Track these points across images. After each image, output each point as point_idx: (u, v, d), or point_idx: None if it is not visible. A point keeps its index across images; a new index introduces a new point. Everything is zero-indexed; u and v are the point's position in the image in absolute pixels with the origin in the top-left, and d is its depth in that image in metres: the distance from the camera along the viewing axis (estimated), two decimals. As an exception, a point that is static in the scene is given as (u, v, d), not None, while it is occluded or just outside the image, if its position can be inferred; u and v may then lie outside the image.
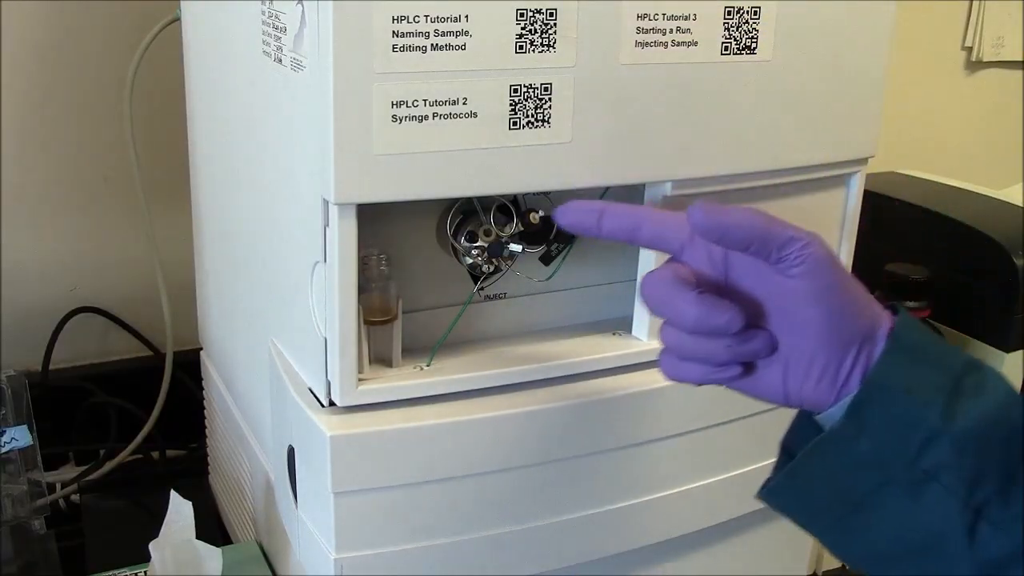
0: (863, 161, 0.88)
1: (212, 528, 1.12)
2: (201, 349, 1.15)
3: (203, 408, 1.18)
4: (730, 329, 0.61)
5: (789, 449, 0.66)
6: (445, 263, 0.78)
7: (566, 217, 0.65)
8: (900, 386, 0.60)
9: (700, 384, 0.65)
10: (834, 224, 0.89)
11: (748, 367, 0.64)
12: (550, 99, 0.70)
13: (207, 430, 1.18)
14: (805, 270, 0.61)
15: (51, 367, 1.27)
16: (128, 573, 0.93)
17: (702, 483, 0.85)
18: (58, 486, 1.19)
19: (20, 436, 0.95)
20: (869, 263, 1.02)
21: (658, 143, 0.75)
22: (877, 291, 1.16)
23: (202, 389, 1.18)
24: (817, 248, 0.61)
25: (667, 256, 0.65)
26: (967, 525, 0.59)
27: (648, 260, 0.79)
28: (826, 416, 0.63)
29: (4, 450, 0.93)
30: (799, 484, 0.64)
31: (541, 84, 0.70)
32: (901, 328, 0.62)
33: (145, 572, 0.91)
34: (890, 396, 0.60)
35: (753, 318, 0.63)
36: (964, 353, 0.64)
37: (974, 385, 0.61)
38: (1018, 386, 1.17)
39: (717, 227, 0.60)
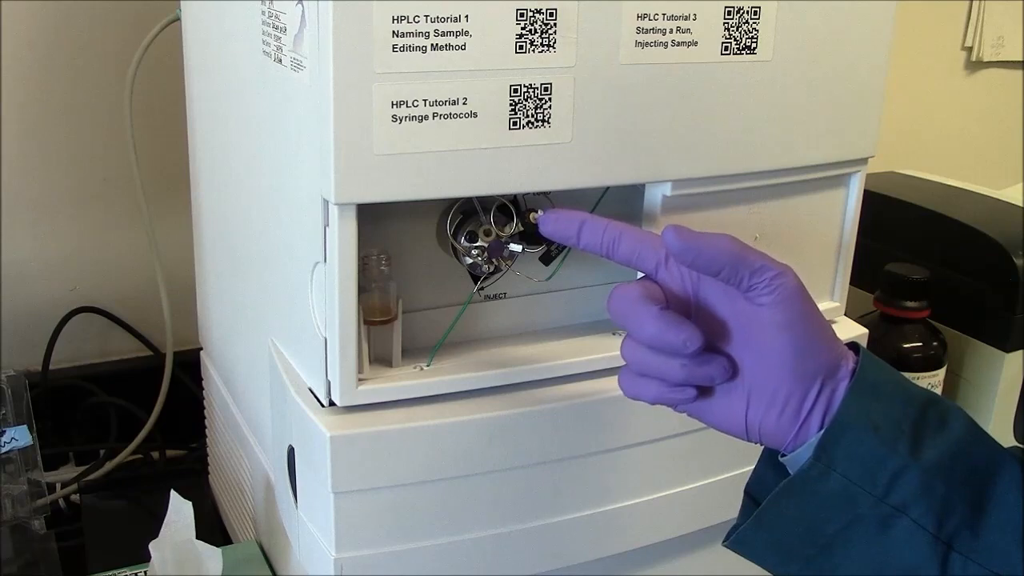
0: (863, 161, 0.88)
1: (212, 528, 1.12)
2: (201, 349, 1.15)
3: (203, 408, 1.18)
4: (686, 348, 0.62)
5: (753, 495, 0.67)
6: (445, 263, 0.78)
7: (547, 225, 0.68)
8: (866, 424, 0.61)
9: (654, 403, 0.66)
10: (834, 224, 0.89)
11: (704, 392, 0.65)
12: (550, 99, 0.70)
13: (207, 430, 1.18)
14: (775, 299, 0.62)
15: (51, 367, 1.27)
16: (128, 573, 0.93)
17: (702, 483, 0.85)
18: (58, 486, 1.19)
19: (20, 436, 0.95)
20: (869, 263, 1.02)
21: (658, 143, 0.75)
22: (877, 291, 1.16)
23: (202, 389, 1.18)
24: (789, 279, 0.63)
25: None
26: (939, 557, 0.60)
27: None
28: (791, 458, 0.64)
29: (4, 450, 0.93)
30: (768, 528, 0.64)
31: (541, 84, 0.70)
32: (864, 366, 0.63)
33: (145, 572, 0.91)
34: (857, 434, 0.61)
35: (719, 344, 0.65)
36: (923, 388, 0.65)
37: (937, 418, 0.62)
38: (1016, 392, 1.17)
39: (690, 250, 0.62)
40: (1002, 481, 0.61)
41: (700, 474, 0.85)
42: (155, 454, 1.27)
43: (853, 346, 0.66)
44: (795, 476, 0.62)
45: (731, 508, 0.69)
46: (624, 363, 0.67)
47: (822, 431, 0.62)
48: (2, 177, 1.23)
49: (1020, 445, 1.22)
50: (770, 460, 0.67)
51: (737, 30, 0.75)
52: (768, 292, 0.62)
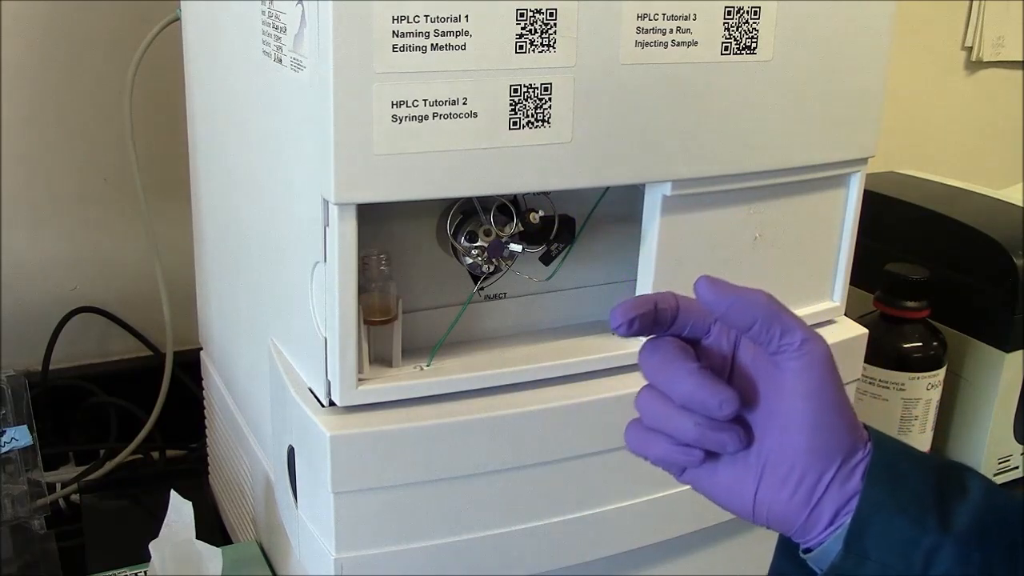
0: (863, 161, 0.88)
1: (212, 528, 1.12)
2: (201, 349, 1.15)
3: (203, 408, 1.18)
4: (721, 410, 0.59)
5: None
6: (445, 263, 0.78)
7: (624, 321, 0.61)
8: (892, 506, 0.59)
9: (658, 462, 0.63)
10: (834, 224, 0.89)
11: (712, 458, 0.62)
12: (550, 99, 0.70)
13: (207, 430, 1.18)
14: (803, 365, 0.59)
15: (51, 367, 1.27)
16: (128, 573, 0.93)
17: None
18: (58, 486, 1.18)
19: (20, 436, 0.95)
20: (869, 263, 1.02)
21: (658, 143, 0.75)
22: (877, 291, 1.16)
23: (202, 389, 1.18)
24: (820, 346, 0.60)
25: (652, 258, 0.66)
26: None
27: (648, 261, 0.79)
28: (818, 554, 0.61)
29: (4, 450, 0.93)
30: None
31: (541, 84, 0.70)
32: (879, 447, 0.61)
33: (145, 572, 0.91)
34: (886, 518, 0.59)
35: (741, 410, 0.61)
36: (934, 454, 0.63)
37: (956, 483, 0.61)
38: (1016, 392, 1.17)
39: (723, 301, 0.59)
40: None
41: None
42: (155, 454, 1.26)
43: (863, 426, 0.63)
44: (828, 571, 0.60)
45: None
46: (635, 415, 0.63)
47: (849, 520, 0.59)
48: (2, 177, 1.23)
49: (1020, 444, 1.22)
50: (789, 555, 0.64)
51: (737, 30, 0.75)
52: (797, 356, 0.59)
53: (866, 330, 0.92)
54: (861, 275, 0.95)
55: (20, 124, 1.23)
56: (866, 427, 0.62)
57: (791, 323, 0.59)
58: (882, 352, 1.13)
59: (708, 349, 0.63)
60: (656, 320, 0.61)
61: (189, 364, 1.20)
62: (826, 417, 0.60)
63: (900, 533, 0.58)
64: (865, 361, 0.93)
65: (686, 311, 0.62)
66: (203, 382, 1.17)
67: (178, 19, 1.06)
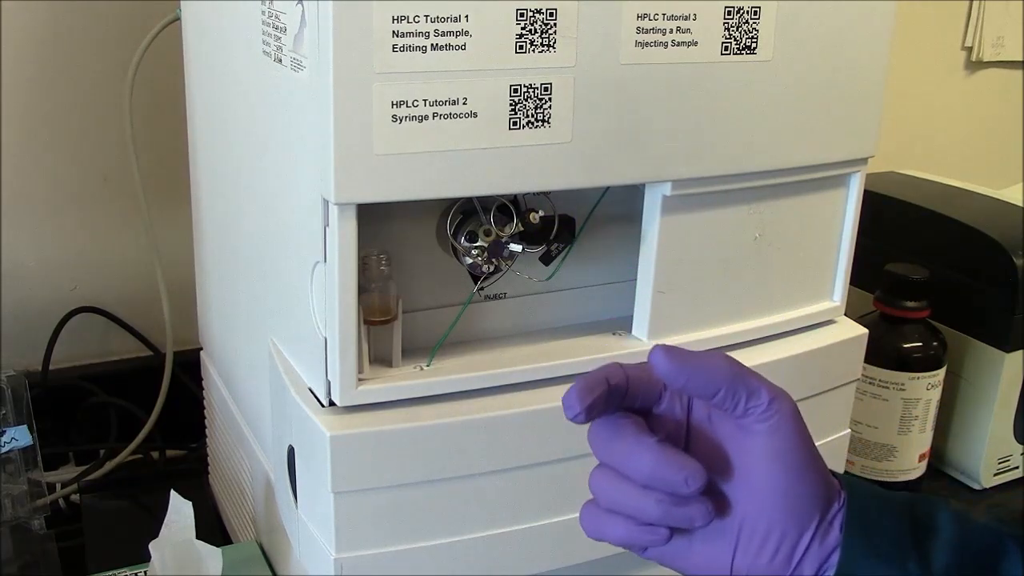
0: (863, 161, 0.88)
1: (212, 528, 1.12)
2: (201, 349, 1.15)
3: (203, 408, 1.18)
4: (688, 487, 0.56)
5: None
6: (445, 263, 0.78)
7: (572, 414, 0.58)
8: (873, 556, 0.58)
9: (620, 544, 0.60)
10: (834, 224, 0.89)
11: (680, 533, 0.59)
12: (550, 99, 0.70)
13: (207, 430, 1.18)
14: (772, 426, 0.57)
15: (51, 367, 1.27)
16: (128, 573, 0.93)
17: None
18: (58, 486, 1.18)
19: (20, 436, 0.95)
20: (869, 263, 1.02)
21: (658, 143, 0.75)
22: (877, 291, 1.16)
23: (202, 389, 1.18)
24: (786, 404, 0.58)
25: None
26: None
27: (648, 261, 0.79)
28: None
29: (4, 450, 0.93)
30: None
31: (541, 84, 0.70)
32: (851, 495, 0.60)
33: (145, 572, 0.91)
34: (869, 570, 0.57)
35: (716, 487, 0.59)
36: (901, 493, 0.62)
37: (928, 522, 0.60)
38: (1016, 392, 1.17)
39: (682, 372, 0.57)
40: (1008, 564, 0.59)
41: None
42: (155, 454, 1.26)
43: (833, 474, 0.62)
44: None
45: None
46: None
47: (831, 574, 0.58)
48: (2, 177, 1.23)
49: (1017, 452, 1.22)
50: None
51: (737, 30, 0.75)
52: (766, 417, 0.57)
53: (866, 330, 0.92)
54: (861, 275, 0.95)
55: (20, 124, 1.23)
56: (834, 474, 0.61)
57: (755, 384, 0.57)
58: (882, 352, 1.13)
59: (661, 418, 0.61)
60: (608, 399, 0.58)
61: (189, 364, 1.20)
62: (801, 477, 0.58)
63: None
64: (865, 361, 0.93)
65: (636, 381, 0.60)
66: (203, 382, 1.17)
67: (178, 19, 1.06)
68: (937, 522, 0.60)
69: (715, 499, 0.58)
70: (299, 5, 0.68)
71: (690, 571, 0.61)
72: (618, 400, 0.59)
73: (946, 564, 0.58)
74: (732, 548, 0.59)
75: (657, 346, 0.57)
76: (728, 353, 0.82)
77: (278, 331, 0.83)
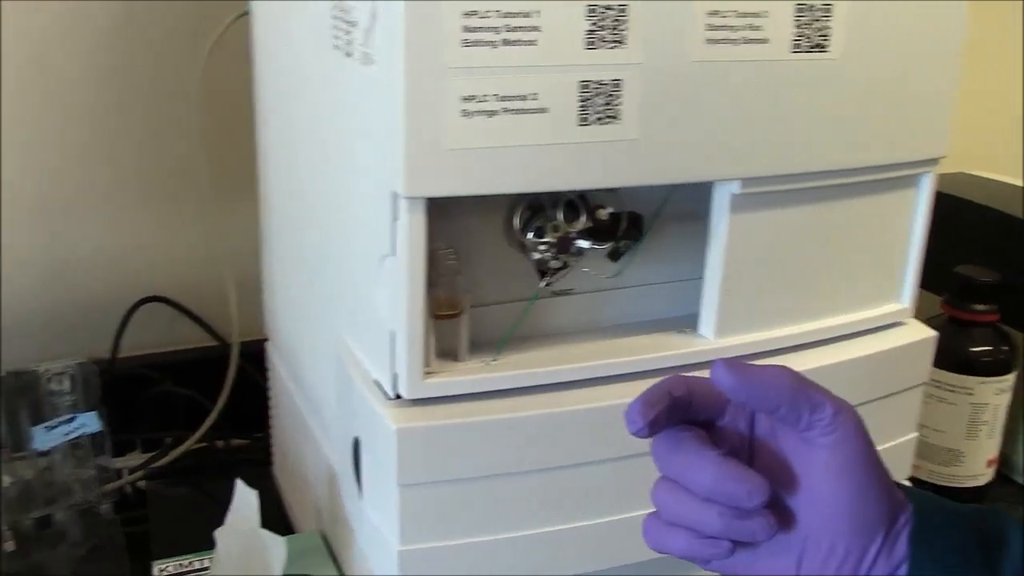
0: (934, 161, 0.87)
1: (275, 518, 1.12)
2: (266, 340, 1.16)
3: (267, 398, 1.19)
4: (750, 501, 0.55)
5: None
6: (512, 258, 0.78)
7: (635, 429, 0.57)
8: (941, 570, 0.57)
9: (682, 556, 0.59)
10: (904, 225, 0.88)
11: (744, 546, 0.58)
12: (620, 95, 0.70)
13: (271, 420, 1.19)
14: (836, 440, 0.56)
15: (119, 355, 1.28)
16: (193, 560, 0.94)
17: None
18: (124, 472, 1.20)
19: (90, 422, 0.96)
20: (938, 265, 1.01)
21: (727, 141, 0.75)
22: (945, 294, 1.15)
23: (267, 379, 1.19)
24: (850, 417, 0.57)
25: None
26: None
27: (716, 259, 0.79)
28: None
29: (74, 436, 0.95)
30: None
31: (611, 80, 0.70)
32: (918, 507, 0.59)
33: (210, 560, 0.92)
34: None
35: (780, 501, 0.58)
36: (968, 505, 0.61)
37: (997, 536, 0.59)
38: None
39: (744, 386, 0.56)
40: None
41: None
42: (219, 443, 1.28)
43: (900, 486, 0.61)
44: None
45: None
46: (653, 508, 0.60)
47: None
48: (74, 168, 1.25)
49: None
50: None
51: (808, 27, 0.75)
52: (829, 431, 0.56)
53: (935, 333, 0.91)
54: (929, 277, 0.94)
55: (91, 116, 1.25)
56: (900, 486, 0.60)
57: (819, 398, 0.57)
58: (950, 356, 1.11)
59: (724, 431, 0.60)
60: (671, 412, 0.58)
61: (254, 354, 1.21)
62: (866, 491, 0.57)
63: None
64: (933, 364, 0.92)
65: (699, 394, 0.59)
66: (268, 372, 1.18)
67: (248, 14, 1.07)
68: (1007, 536, 0.59)
69: (779, 513, 0.58)
70: (370, 0, 0.68)
71: None
72: (681, 413, 0.59)
73: (1019, 574, 0.57)
74: (796, 562, 0.58)
75: (719, 361, 0.57)
76: (794, 354, 0.82)
77: (345, 323, 0.83)
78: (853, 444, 0.57)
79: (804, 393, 0.56)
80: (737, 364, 0.56)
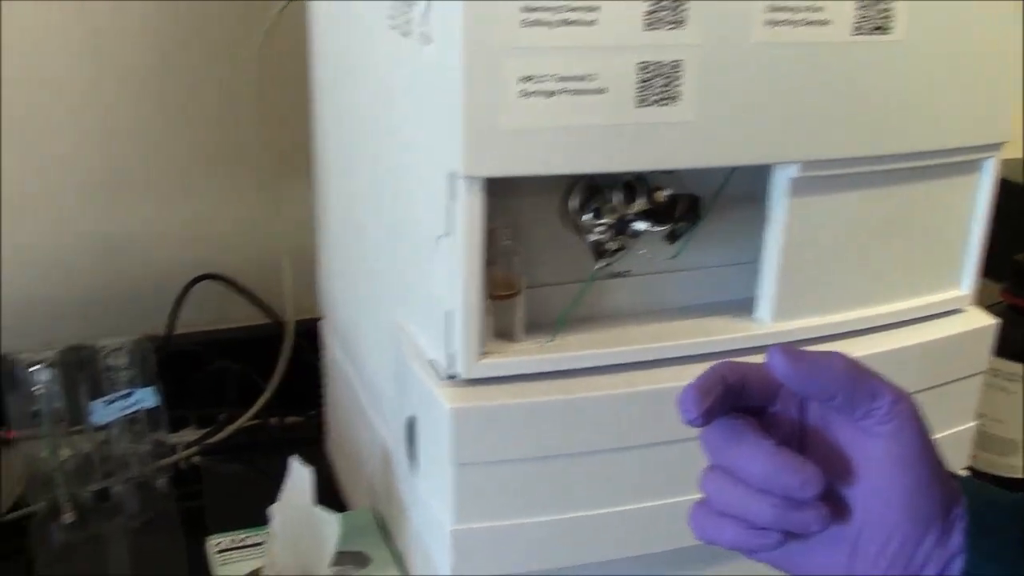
0: (997, 146, 0.85)
1: (327, 495, 1.13)
2: (321, 318, 1.17)
3: (321, 376, 1.20)
4: (804, 492, 0.54)
5: None
6: (569, 239, 0.78)
7: (689, 417, 0.56)
8: (998, 561, 0.55)
9: (730, 547, 0.58)
10: (965, 211, 0.87)
11: (793, 537, 0.57)
12: (679, 76, 0.70)
13: (324, 398, 1.20)
14: (892, 429, 0.55)
15: (174, 332, 1.29)
16: (246, 535, 0.95)
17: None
18: (179, 448, 1.21)
19: (146, 398, 0.97)
20: (999, 252, 0.99)
21: (786, 123, 0.74)
22: (1005, 281, 1.13)
23: (320, 357, 1.19)
24: (909, 405, 0.56)
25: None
26: None
27: (774, 242, 0.78)
28: None
29: (131, 411, 0.96)
30: None
31: (670, 61, 0.69)
32: (972, 497, 0.57)
33: (264, 535, 0.92)
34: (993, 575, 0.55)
35: (835, 492, 0.57)
36: (1019, 495, 0.59)
37: None
38: None
39: (800, 374, 0.55)
40: None
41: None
42: (273, 420, 1.28)
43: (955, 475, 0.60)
44: None
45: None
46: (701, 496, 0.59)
47: None
48: (128, 146, 1.26)
49: None
50: None
51: (870, 9, 0.74)
52: (887, 420, 0.55)
53: (996, 320, 0.90)
54: (990, 264, 0.92)
55: (149, 94, 1.25)
56: (953, 476, 0.59)
57: (877, 385, 0.55)
58: (1009, 344, 1.09)
59: (776, 418, 0.59)
60: (723, 399, 0.56)
61: (308, 333, 1.22)
62: (923, 482, 0.56)
63: None
64: (992, 353, 0.91)
65: (752, 381, 0.58)
66: (322, 351, 1.18)
67: (306, -8, 1.08)
68: None
69: (832, 503, 0.57)
70: (430, -21, 0.68)
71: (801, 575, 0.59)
72: (732, 400, 0.57)
73: None
74: (849, 553, 0.57)
75: (775, 347, 0.55)
76: (851, 339, 0.82)
77: (401, 302, 0.84)
78: (910, 434, 0.56)
79: (862, 381, 0.55)
80: (794, 351, 0.55)
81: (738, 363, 0.58)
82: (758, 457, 0.55)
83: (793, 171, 0.77)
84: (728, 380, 0.57)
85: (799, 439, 0.59)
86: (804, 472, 0.54)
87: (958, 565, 0.56)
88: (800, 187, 0.77)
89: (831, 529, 0.57)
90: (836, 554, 0.57)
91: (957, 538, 0.56)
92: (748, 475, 0.56)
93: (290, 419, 1.29)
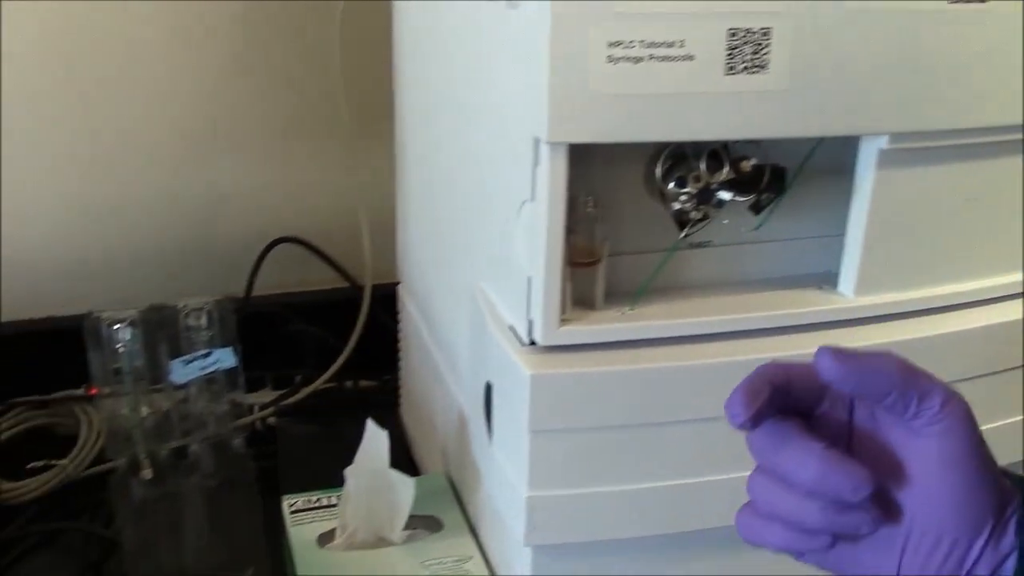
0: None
1: (400, 459, 1.14)
2: (398, 283, 1.17)
3: (397, 341, 1.20)
4: (856, 495, 0.53)
5: None
6: (651, 208, 0.77)
7: (737, 418, 0.55)
8: None
9: (779, 551, 0.57)
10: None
11: (844, 539, 0.56)
12: (769, 44, 0.69)
13: (400, 363, 1.20)
14: (944, 429, 0.54)
15: (252, 294, 1.31)
16: (321, 496, 0.95)
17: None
18: (255, 408, 1.22)
19: (225, 358, 0.98)
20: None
21: (877, 94, 0.73)
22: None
23: (397, 322, 1.20)
24: (960, 405, 0.54)
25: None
26: None
27: (860, 215, 0.77)
28: None
29: (210, 370, 0.97)
30: None
31: (760, 28, 0.68)
32: None
33: (337, 496, 0.93)
34: None
35: (885, 493, 0.56)
36: None
37: None
38: None
39: (851, 375, 0.54)
40: None
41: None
42: (348, 383, 1.29)
43: (1009, 475, 0.58)
44: None
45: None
46: (747, 499, 0.59)
47: None
48: (213, 110, 1.27)
49: None
50: None
51: (967, -23, 0.72)
52: (938, 420, 0.54)
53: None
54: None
55: (231, 60, 1.26)
56: (1006, 473, 0.57)
57: (928, 386, 0.54)
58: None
59: (823, 418, 0.58)
60: (770, 401, 0.55)
61: (385, 297, 1.23)
62: (975, 482, 0.54)
63: None
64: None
65: (798, 381, 0.57)
66: (399, 315, 1.19)
67: (390, -45, 1.07)
68: None
69: (881, 505, 0.56)
70: (518, -58, 0.68)
71: None
72: (779, 402, 0.56)
73: None
74: (899, 555, 0.56)
75: (824, 348, 0.54)
76: (933, 316, 0.80)
77: (481, 268, 0.84)
78: (962, 434, 0.54)
79: (913, 381, 0.54)
80: (842, 352, 0.54)
81: (784, 364, 0.57)
82: (807, 460, 0.54)
83: (882, 143, 0.75)
84: (775, 382, 0.56)
85: (847, 440, 0.58)
86: (855, 474, 0.53)
87: (1011, 565, 0.55)
88: (888, 159, 0.76)
89: (881, 531, 0.56)
90: (886, 555, 0.56)
91: (1009, 538, 0.55)
92: (799, 479, 0.55)
93: (365, 383, 1.30)
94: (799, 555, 0.58)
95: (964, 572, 0.55)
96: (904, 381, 0.54)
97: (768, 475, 0.57)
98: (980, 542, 0.54)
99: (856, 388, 0.55)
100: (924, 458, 0.55)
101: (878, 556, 0.56)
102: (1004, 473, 0.57)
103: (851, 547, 0.57)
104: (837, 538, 0.56)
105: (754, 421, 0.55)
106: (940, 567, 0.55)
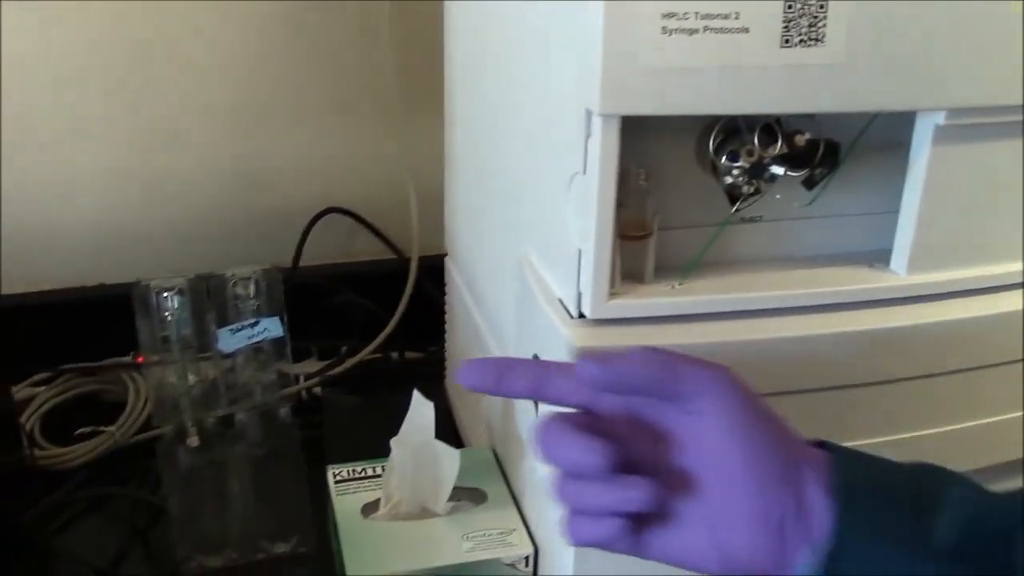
0: None
1: (445, 431, 1.14)
2: (445, 255, 1.17)
3: (443, 312, 1.20)
4: (597, 464, 0.57)
5: None
6: (703, 181, 0.77)
7: (465, 379, 0.62)
8: (867, 530, 0.55)
9: (591, 545, 0.60)
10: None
11: (650, 524, 0.59)
12: (825, 16, 0.68)
13: (446, 335, 1.20)
14: (712, 404, 0.57)
15: (300, 264, 1.31)
16: (366, 467, 0.96)
17: (953, 427, 0.82)
18: (301, 378, 1.23)
19: (272, 327, 0.98)
20: None
21: (935, 69, 0.71)
22: None
23: (443, 294, 1.20)
24: (723, 379, 0.58)
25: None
26: None
27: (914, 192, 0.76)
28: None
29: (257, 339, 0.97)
30: None
31: (817, 1, 0.67)
32: (843, 464, 0.58)
33: (383, 467, 0.93)
34: (863, 544, 0.55)
35: (672, 463, 0.59)
36: (906, 464, 0.59)
37: (933, 496, 0.56)
38: None
39: (605, 374, 0.58)
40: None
41: (954, 417, 0.82)
42: (394, 355, 1.30)
43: (819, 442, 0.61)
44: None
45: (992, 454, 0.66)
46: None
47: (824, 548, 0.55)
48: (264, 81, 1.28)
49: None
50: None
51: (1027, -52, 0.71)
52: (703, 397, 0.57)
53: None
54: None
55: (283, 31, 1.26)
56: (826, 444, 0.60)
57: (686, 370, 0.58)
58: None
59: (614, 409, 0.61)
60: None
61: (432, 269, 1.23)
62: (760, 446, 0.57)
63: (879, 557, 0.55)
64: None
65: (564, 380, 0.61)
66: (445, 287, 1.19)
67: (440, -72, 1.07)
68: (944, 495, 0.57)
69: (676, 479, 0.59)
70: (573, -89, 0.67)
71: (672, 559, 0.60)
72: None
73: (953, 542, 0.55)
74: (709, 532, 0.58)
75: (583, 359, 0.58)
76: (985, 296, 0.79)
77: (529, 241, 0.83)
78: (734, 404, 0.58)
79: (668, 370, 0.58)
80: (596, 356, 0.58)
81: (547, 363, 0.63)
82: (560, 446, 0.59)
83: (938, 118, 0.74)
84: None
85: (628, 423, 0.61)
86: (595, 445, 0.57)
87: (827, 518, 0.56)
88: (944, 135, 0.75)
89: (687, 510, 0.58)
90: (694, 532, 0.59)
91: (820, 506, 0.56)
92: (562, 465, 0.59)
93: (411, 354, 1.31)
94: (610, 546, 0.60)
95: (778, 539, 0.56)
96: (659, 373, 0.58)
97: (564, 475, 0.60)
98: (788, 506, 0.56)
99: (616, 388, 0.59)
100: (703, 432, 0.58)
101: (687, 535, 0.59)
102: (824, 444, 0.60)
103: (659, 531, 0.59)
104: (632, 520, 0.58)
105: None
106: (752, 534, 0.57)
